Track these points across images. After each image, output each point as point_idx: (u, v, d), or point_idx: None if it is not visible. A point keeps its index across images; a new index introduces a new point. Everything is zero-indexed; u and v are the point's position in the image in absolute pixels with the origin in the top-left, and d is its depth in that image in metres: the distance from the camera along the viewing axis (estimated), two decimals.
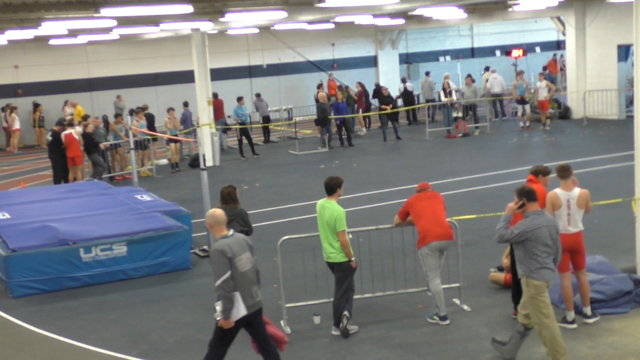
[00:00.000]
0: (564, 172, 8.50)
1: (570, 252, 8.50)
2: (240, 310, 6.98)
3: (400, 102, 28.43)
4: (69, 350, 8.95)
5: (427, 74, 29.22)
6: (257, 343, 7.39)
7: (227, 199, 9.25)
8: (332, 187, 8.72)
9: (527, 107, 24.60)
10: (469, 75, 25.86)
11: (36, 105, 28.41)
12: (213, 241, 7.31)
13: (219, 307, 6.96)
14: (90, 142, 19.21)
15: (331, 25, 29.75)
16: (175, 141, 21.35)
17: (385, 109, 24.51)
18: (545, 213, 7.70)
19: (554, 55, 34.71)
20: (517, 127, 24.72)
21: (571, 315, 8.54)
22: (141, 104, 24.04)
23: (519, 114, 24.90)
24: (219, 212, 7.20)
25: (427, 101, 27.84)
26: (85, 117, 20.95)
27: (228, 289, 6.86)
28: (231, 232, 7.14)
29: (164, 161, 22.57)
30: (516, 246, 7.54)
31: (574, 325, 8.49)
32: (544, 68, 31.70)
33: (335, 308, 8.72)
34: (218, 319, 7.02)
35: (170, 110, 22.19)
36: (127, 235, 11.55)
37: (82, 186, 16.50)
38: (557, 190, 8.48)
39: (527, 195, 7.49)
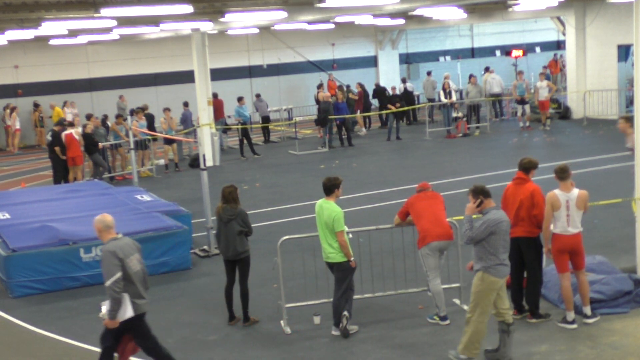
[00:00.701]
0: (563, 174, 8.45)
1: (570, 253, 8.49)
2: (127, 311, 7.10)
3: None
4: (69, 350, 8.95)
5: (429, 73, 29.26)
6: (138, 346, 7.45)
7: (228, 198, 9.25)
8: (330, 188, 8.71)
9: (527, 107, 24.61)
10: (473, 75, 25.91)
11: (37, 106, 28.42)
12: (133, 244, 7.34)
13: (105, 307, 7.10)
14: (90, 142, 19.21)
15: (331, 25, 29.75)
16: (172, 141, 21.31)
17: (392, 108, 24.54)
18: (500, 209, 7.87)
19: (555, 55, 34.72)
20: (517, 127, 24.72)
21: (571, 315, 8.53)
22: (141, 104, 24.04)
23: (519, 114, 24.91)
24: (108, 217, 7.38)
25: (429, 100, 27.87)
26: (88, 117, 20.96)
27: (118, 290, 7.00)
28: (120, 235, 7.34)
29: (164, 161, 22.57)
30: (477, 243, 7.65)
31: (574, 326, 8.48)
32: (545, 67, 31.72)
33: (335, 308, 8.72)
34: (103, 318, 7.14)
35: (165, 110, 22.17)
36: (127, 235, 11.50)
37: (82, 186, 16.49)
38: (556, 191, 8.46)
39: (482, 193, 7.74)
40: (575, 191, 8.45)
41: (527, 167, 8.78)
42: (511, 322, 7.72)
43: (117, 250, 7.08)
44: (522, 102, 24.61)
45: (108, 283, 6.99)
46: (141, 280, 7.32)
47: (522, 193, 8.64)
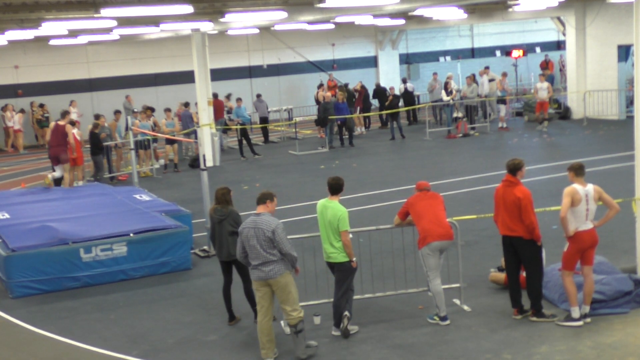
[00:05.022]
0: (581, 170, 8.61)
1: (590, 248, 8.51)
2: None
3: (400, 102, 28.36)
4: (69, 350, 8.95)
5: (435, 74, 29.17)
6: None
7: (221, 200, 9.25)
8: (339, 187, 8.72)
9: (502, 107, 24.88)
10: (467, 76, 25.93)
11: (40, 106, 28.42)
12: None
13: None
14: (96, 144, 19.17)
15: (331, 26, 29.75)
16: (173, 142, 21.33)
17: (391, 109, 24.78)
18: (264, 216, 8.01)
19: (546, 56, 34.72)
20: (517, 128, 24.69)
21: (576, 311, 8.49)
22: (141, 105, 24.04)
23: (502, 114, 24.96)
24: None
25: (434, 102, 27.83)
26: (97, 117, 20.92)
27: None
28: None
29: (164, 161, 22.56)
30: None
31: (580, 323, 8.46)
32: (543, 68, 31.73)
33: (335, 308, 8.72)
34: None
35: (167, 111, 22.24)
36: (127, 235, 11.55)
37: (82, 186, 16.50)
38: (576, 186, 8.53)
39: (259, 198, 8.19)
40: (590, 185, 8.58)
41: (513, 169, 8.78)
42: (293, 324, 8.09)
43: None
44: (501, 102, 24.88)
45: None
46: None
47: (509, 197, 8.66)
